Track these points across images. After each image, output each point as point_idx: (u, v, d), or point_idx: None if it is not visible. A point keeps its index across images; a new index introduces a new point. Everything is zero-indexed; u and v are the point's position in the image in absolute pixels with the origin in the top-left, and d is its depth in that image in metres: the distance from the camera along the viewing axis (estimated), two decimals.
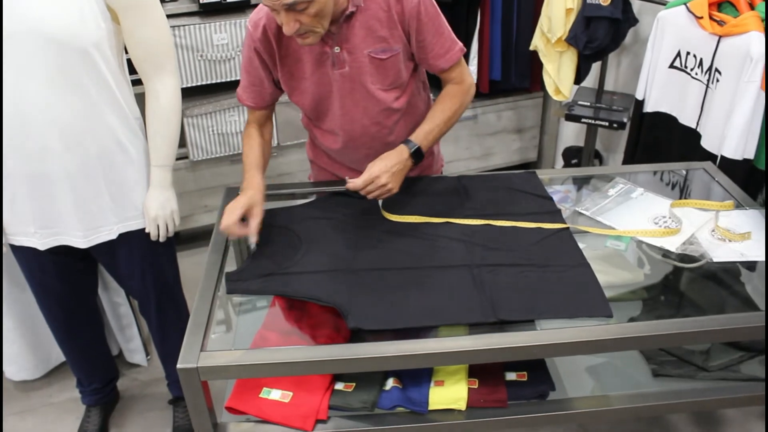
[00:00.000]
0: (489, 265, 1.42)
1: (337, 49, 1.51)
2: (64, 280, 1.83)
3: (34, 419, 2.23)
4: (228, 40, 2.59)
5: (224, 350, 1.24)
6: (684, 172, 1.88)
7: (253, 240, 1.46)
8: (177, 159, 2.77)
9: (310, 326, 1.37)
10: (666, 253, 1.52)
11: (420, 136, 1.56)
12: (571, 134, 3.35)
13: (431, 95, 1.78)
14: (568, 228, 1.55)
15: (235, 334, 1.38)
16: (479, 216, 1.59)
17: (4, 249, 1.72)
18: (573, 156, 3.13)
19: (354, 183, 1.48)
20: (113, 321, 2.28)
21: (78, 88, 1.51)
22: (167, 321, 1.96)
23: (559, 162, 3.37)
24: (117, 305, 2.24)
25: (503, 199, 1.68)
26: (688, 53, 2.05)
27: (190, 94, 2.70)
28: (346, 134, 1.65)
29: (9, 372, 2.31)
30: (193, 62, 2.57)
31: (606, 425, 2.10)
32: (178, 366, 1.19)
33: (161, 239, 1.76)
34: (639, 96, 2.27)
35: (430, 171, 1.86)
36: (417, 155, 1.54)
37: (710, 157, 2.01)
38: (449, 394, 1.34)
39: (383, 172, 1.47)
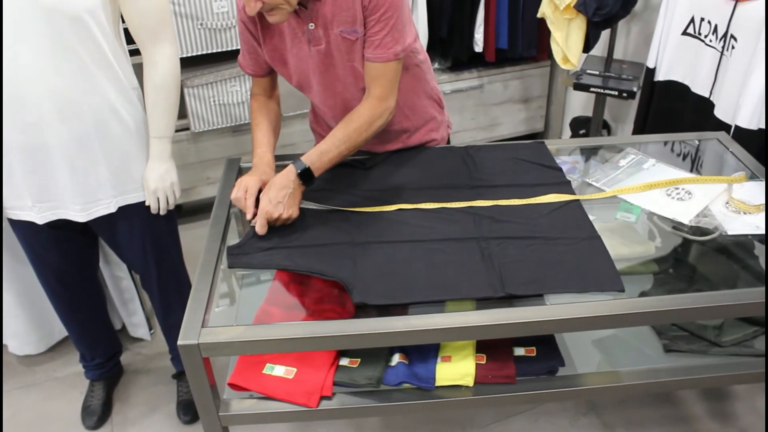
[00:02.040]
0: (498, 237, 1.38)
1: (312, 26, 1.46)
2: (64, 254, 1.80)
3: (38, 394, 2.22)
4: (228, 8, 2.52)
5: (226, 326, 1.21)
6: (696, 142, 1.83)
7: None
8: (178, 130, 2.76)
9: (314, 300, 1.34)
10: (678, 226, 1.48)
11: (313, 156, 1.45)
12: (578, 104, 3.28)
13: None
14: (578, 200, 1.51)
15: (238, 309, 1.35)
16: (486, 186, 1.55)
17: (4, 223, 1.69)
18: (581, 126, 3.08)
19: (257, 228, 1.40)
20: (115, 295, 2.26)
21: (72, 56, 1.46)
22: (169, 295, 1.94)
23: (567, 132, 3.32)
24: (119, 279, 2.22)
25: (511, 170, 1.63)
26: (702, 19, 1.98)
27: (190, 64, 2.65)
28: (331, 109, 1.62)
29: (12, 346, 2.29)
30: (193, 31, 2.51)
31: (615, 401, 2.08)
32: (179, 342, 1.17)
33: (161, 212, 1.73)
34: (650, 64, 2.20)
35: (437, 134, 1.79)
36: (306, 177, 1.43)
37: (724, 127, 1.95)
38: (456, 370, 1.31)
39: (273, 206, 1.39)
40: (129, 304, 2.28)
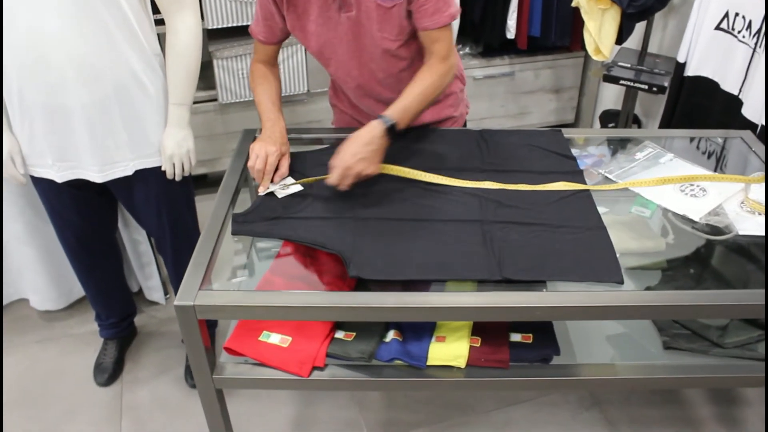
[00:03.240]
0: (501, 222, 1.38)
1: None
2: (82, 214, 1.85)
3: (54, 348, 2.29)
4: None
5: (222, 290, 1.23)
6: (720, 140, 1.79)
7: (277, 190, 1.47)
8: (206, 101, 2.80)
9: (317, 273, 1.35)
10: (696, 225, 1.45)
11: (398, 112, 1.44)
12: (611, 97, 3.23)
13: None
14: (588, 190, 1.49)
15: (246, 277, 1.37)
16: (497, 171, 1.54)
17: (25, 180, 1.74)
18: (610, 119, 3.02)
19: (329, 180, 1.40)
20: (133, 258, 2.31)
21: (96, 21, 1.49)
22: (183, 259, 1.96)
23: (597, 125, 3.27)
24: (137, 243, 2.27)
25: (524, 156, 1.62)
26: (736, 14, 1.92)
27: (219, 35, 2.67)
28: (354, 80, 1.61)
29: (33, 301, 2.37)
30: (224, 3, 2.53)
31: (617, 395, 2.06)
32: (175, 303, 1.19)
33: (177, 178, 1.76)
34: (681, 59, 2.16)
35: (455, 111, 1.77)
36: (392, 132, 1.43)
37: (751, 126, 1.90)
38: (450, 350, 1.31)
39: (355, 159, 1.38)
40: (146, 267, 2.33)
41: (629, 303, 1.19)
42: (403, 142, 1.66)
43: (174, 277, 2.04)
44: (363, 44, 1.53)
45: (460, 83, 1.77)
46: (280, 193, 1.46)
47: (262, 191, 1.47)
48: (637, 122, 3.00)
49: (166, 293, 2.42)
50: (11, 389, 2.13)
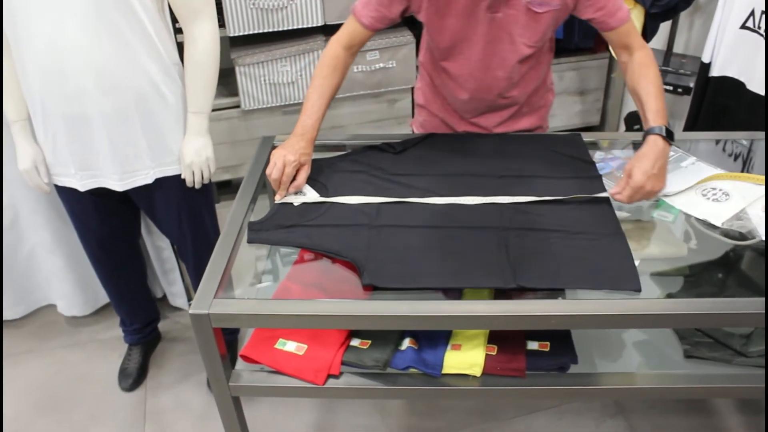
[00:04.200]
0: (518, 228, 1.36)
1: None
2: (105, 222, 1.88)
3: (81, 353, 2.33)
4: None
5: (237, 299, 1.24)
6: (746, 142, 1.75)
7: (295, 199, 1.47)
8: (229, 107, 2.82)
9: (334, 281, 1.35)
10: (715, 229, 1.42)
11: (659, 117, 1.45)
12: None
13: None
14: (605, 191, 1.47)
15: (263, 284, 1.38)
16: (515, 176, 1.53)
17: (49, 188, 1.77)
18: (635, 121, 2.97)
19: (619, 197, 1.41)
20: (157, 265, 2.34)
21: (114, 32, 1.52)
22: (204, 267, 1.98)
23: (622, 127, 3.22)
24: (160, 249, 2.30)
25: (542, 161, 1.60)
26: (763, 12, 1.88)
27: (241, 43, 2.69)
28: (476, 82, 1.60)
29: (60, 307, 2.41)
30: (245, 10, 2.55)
31: (641, 403, 2.03)
32: (190, 311, 1.20)
33: (196, 186, 1.78)
34: (705, 59, 2.11)
35: (544, 122, 1.83)
36: (669, 135, 1.43)
37: None
38: (465, 358, 1.30)
39: (646, 177, 1.37)
40: (169, 274, 2.36)
41: (647, 311, 1.16)
42: (421, 148, 1.66)
43: (195, 283, 2.06)
44: (497, 48, 1.53)
45: (551, 96, 1.82)
46: (296, 201, 1.47)
47: (278, 199, 1.47)
48: None
49: (189, 299, 2.45)
50: (40, 393, 2.17)
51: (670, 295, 1.29)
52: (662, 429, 1.95)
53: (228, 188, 3.14)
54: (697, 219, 1.45)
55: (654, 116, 1.46)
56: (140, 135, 1.66)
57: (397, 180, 1.53)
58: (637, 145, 1.76)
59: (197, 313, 1.20)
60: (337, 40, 1.59)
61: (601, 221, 1.39)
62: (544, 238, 1.33)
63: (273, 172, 1.44)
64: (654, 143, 1.42)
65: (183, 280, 2.38)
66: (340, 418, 2.03)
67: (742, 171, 1.66)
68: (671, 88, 2.48)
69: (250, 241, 1.39)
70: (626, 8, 1.52)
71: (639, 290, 1.21)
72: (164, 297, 2.47)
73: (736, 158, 1.74)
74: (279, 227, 1.40)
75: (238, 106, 2.81)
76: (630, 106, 3.21)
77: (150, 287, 2.26)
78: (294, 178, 1.49)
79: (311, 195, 1.49)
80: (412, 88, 3.00)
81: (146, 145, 1.68)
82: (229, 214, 1.45)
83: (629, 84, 1.57)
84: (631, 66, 1.55)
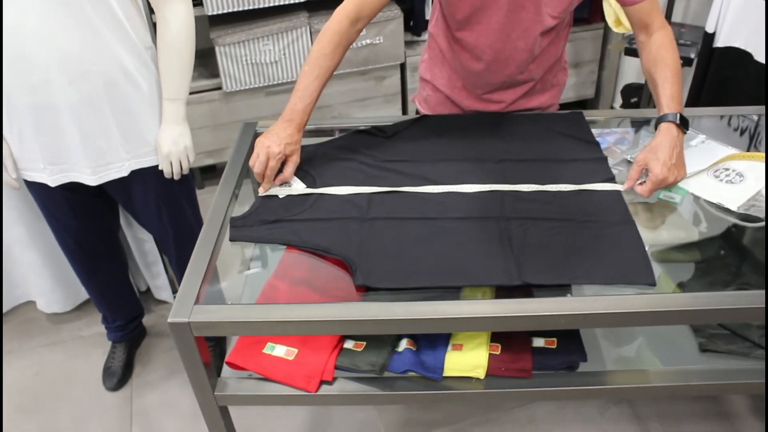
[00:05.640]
0: (520, 218, 1.27)
1: None
2: (80, 217, 1.77)
3: (63, 352, 2.23)
4: None
5: (220, 305, 1.15)
6: (755, 116, 1.65)
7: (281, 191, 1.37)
8: (210, 90, 2.70)
9: (324, 277, 1.26)
10: (728, 212, 1.34)
11: (674, 103, 1.37)
12: (633, 70, 3.07)
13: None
14: (613, 177, 1.38)
15: (245, 284, 1.28)
16: (516, 160, 1.43)
17: (18, 184, 1.66)
18: (633, 94, 2.88)
19: (642, 192, 1.32)
20: (139, 257, 2.23)
21: (80, 16, 1.40)
22: (187, 259, 1.88)
23: (618, 100, 3.12)
24: (142, 242, 2.19)
25: (544, 142, 1.50)
26: None
27: (220, 21, 2.56)
28: (494, 52, 1.49)
29: (40, 304, 2.31)
30: None
31: (654, 402, 1.95)
32: (169, 320, 1.11)
33: (175, 177, 1.67)
34: (709, 29, 2.01)
35: (556, 100, 1.73)
36: (683, 122, 1.35)
37: None
38: (467, 360, 1.22)
39: (666, 168, 1.30)
40: (152, 266, 2.26)
41: (662, 308, 1.07)
42: (415, 131, 1.56)
43: (179, 277, 1.97)
44: (520, 17, 1.42)
45: (565, 76, 1.71)
46: (281, 193, 1.37)
47: (262, 192, 1.37)
48: None
49: (174, 291, 2.35)
50: (22, 395, 2.08)
51: (682, 285, 1.21)
52: (667, 416, 1.89)
53: (212, 173, 3.04)
54: (710, 203, 1.36)
55: (668, 102, 1.36)
56: (113, 125, 1.55)
57: (388, 167, 1.43)
58: (635, 122, 1.68)
59: (176, 321, 1.11)
60: (344, 10, 1.40)
61: (609, 207, 1.30)
62: (549, 228, 1.24)
63: (256, 165, 1.34)
64: (668, 131, 1.33)
65: (167, 273, 2.28)
66: (334, 411, 1.96)
67: (750, 146, 1.58)
68: None
69: (232, 239, 1.29)
70: None
71: (654, 284, 1.13)
72: (148, 290, 2.37)
73: (742, 133, 1.65)
74: (263, 223, 1.30)
75: (219, 88, 2.69)
76: (626, 78, 3.11)
77: (132, 281, 2.16)
78: (281, 170, 1.38)
79: (297, 186, 1.39)
80: (401, 65, 2.89)
81: (120, 136, 1.57)
82: (209, 210, 1.35)
83: (644, 66, 1.47)
84: (648, 47, 1.45)
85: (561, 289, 1.14)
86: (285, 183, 1.39)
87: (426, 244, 1.22)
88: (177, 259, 1.89)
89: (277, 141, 1.35)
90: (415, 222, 1.27)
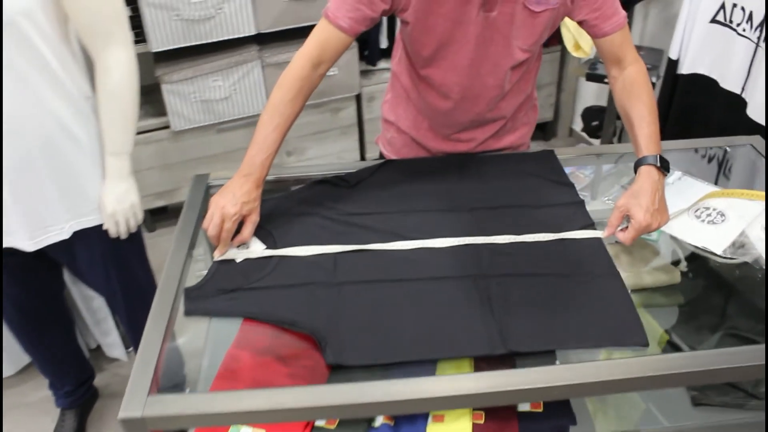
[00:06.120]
0: (498, 275, 1.18)
1: None
2: (20, 283, 1.63)
3: (7, 421, 2.06)
4: None
5: (176, 394, 1.03)
6: (729, 149, 1.61)
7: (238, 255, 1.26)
8: (158, 129, 2.56)
9: (290, 344, 1.15)
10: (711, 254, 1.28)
11: (652, 144, 1.30)
12: (591, 92, 3.05)
13: None
14: (593, 224, 1.31)
15: (204, 355, 1.17)
16: (488, 208, 1.35)
17: None
18: (594, 117, 2.85)
19: (624, 240, 1.24)
20: (88, 315, 2.09)
21: (8, 67, 1.27)
22: (139, 318, 1.71)
23: (578, 123, 3.10)
24: (90, 299, 2.05)
25: (517, 186, 1.43)
26: (734, 5, 1.75)
27: (165, 58, 2.44)
28: (463, 90, 1.41)
29: None
30: (167, 23, 2.30)
31: None
32: (120, 416, 0.99)
33: (122, 237, 1.54)
34: (673, 55, 1.98)
35: (526, 140, 1.67)
36: (664, 164, 1.28)
37: (757, 128, 1.73)
38: None
39: (649, 215, 1.22)
40: (102, 323, 2.11)
41: (659, 372, 1.00)
42: (380, 179, 1.46)
43: (131, 334, 1.84)
44: (489, 51, 1.34)
45: (535, 114, 1.67)
46: (239, 257, 1.26)
47: (217, 256, 1.26)
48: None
49: (127, 348, 2.21)
50: None
51: (669, 332, 1.15)
52: None
53: (164, 214, 2.89)
54: (695, 246, 1.31)
55: (647, 143, 1.30)
56: (50, 184, 1.42)
57: (354, 222, 1.33)
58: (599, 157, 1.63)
59: (128, 417, 0.99)
60: (305, 54, 1.31)
61: (591, 257, 1.23)
62: (531, 285, 1.16)
63: (210, 228, 1.22)
64: (648, 174, 1.26)
65: (118, 329, 2.13)
66: None
67: (718, 174, 1.55)
68: None
69: (187, 313, 1.17)
70: (623, 14, 1.36)
71: (647, 345, 1.05)
72: (98, 347, 2.22)
73: (710, 160, 1.62)
74: (221, 292, 1.19)
75: (167, 127, 2.56)
76: (585, 101, 3.09)
77: (81, 341, 2.02)
78: (239, 230, 1.27)
79: (256, 248, 1.28)
80: (357, 96, 2.81)
81: (58, 195, 1.44)
82: (161, 280, 1.23)
83: (618, 102, 1.41)
84: (621, 82, 1.39)
85: (546, 353, 1.06)
86: (243, 245, 1.28)
87: (400, 312, 1.12)
88: (128, 318, 1.76)
89: (233, 200, 1.24)
90: (386, 285, 1.18)
